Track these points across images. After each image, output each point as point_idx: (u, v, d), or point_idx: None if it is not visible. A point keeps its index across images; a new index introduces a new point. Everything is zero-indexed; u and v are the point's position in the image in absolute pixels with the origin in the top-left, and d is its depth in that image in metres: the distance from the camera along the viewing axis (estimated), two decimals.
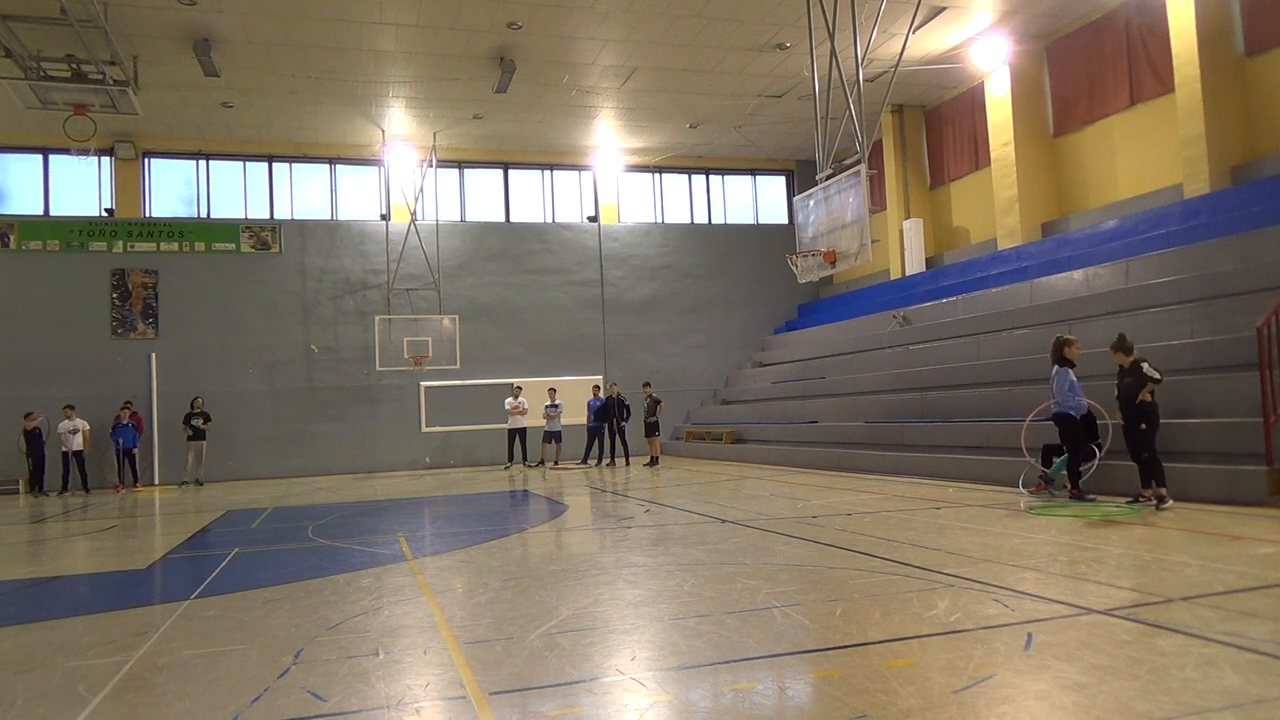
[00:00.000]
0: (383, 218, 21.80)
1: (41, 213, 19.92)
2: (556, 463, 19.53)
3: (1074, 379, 9.61)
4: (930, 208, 20.97)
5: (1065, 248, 15.90)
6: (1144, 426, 8.78)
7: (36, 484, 17.78)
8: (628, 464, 19.02)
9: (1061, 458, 10.00)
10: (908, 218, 20.79)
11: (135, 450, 18.38)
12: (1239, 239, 11.97)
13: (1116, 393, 9.16)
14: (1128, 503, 9.08)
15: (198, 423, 18.46)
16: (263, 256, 20.81)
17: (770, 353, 23.32)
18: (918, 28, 15.75)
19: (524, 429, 19.46)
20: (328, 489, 16.46)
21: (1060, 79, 17.13)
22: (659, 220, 24.01)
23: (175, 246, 20.29)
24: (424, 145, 21.37)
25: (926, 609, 5.00)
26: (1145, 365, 8.93)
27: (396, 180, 21.62)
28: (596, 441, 19.31)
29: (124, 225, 20.06)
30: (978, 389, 13.80)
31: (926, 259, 20.52)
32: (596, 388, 19.96)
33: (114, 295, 19.83)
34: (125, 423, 18.13)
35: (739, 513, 9.93)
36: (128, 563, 8.58)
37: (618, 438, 19.01)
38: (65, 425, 17.60)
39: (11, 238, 19.37)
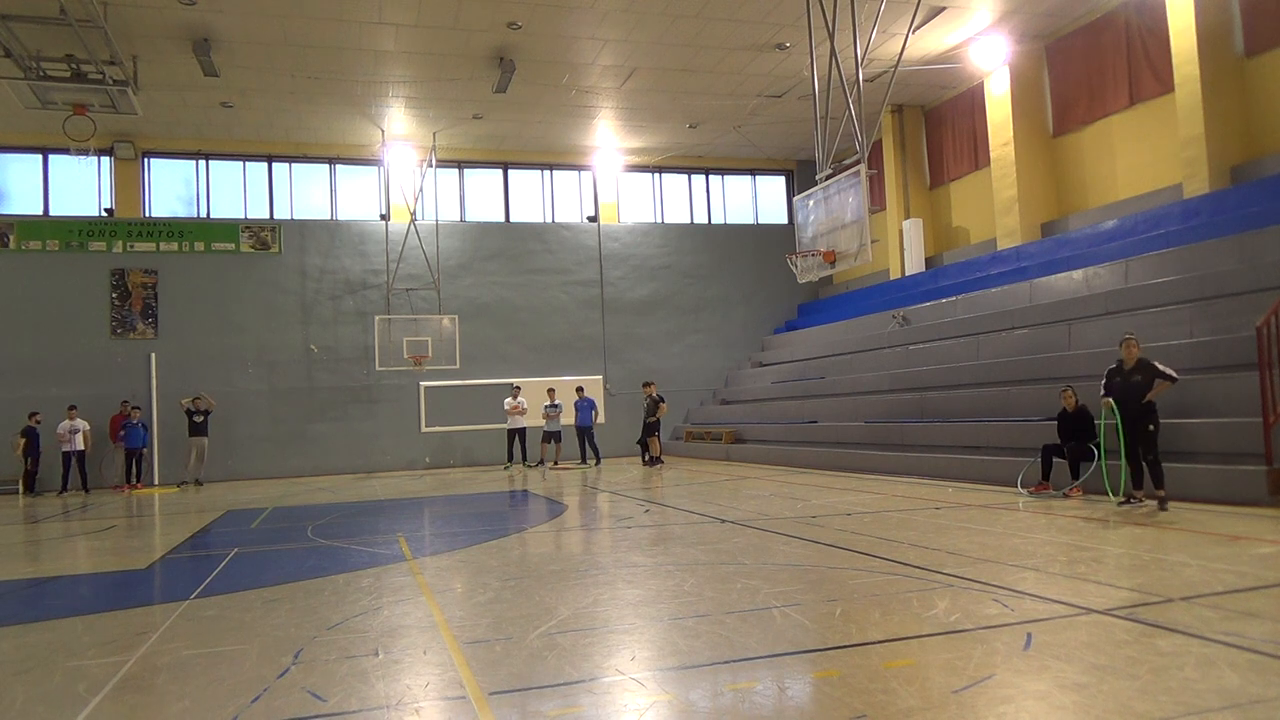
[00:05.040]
0: (382, 218, 21.79)
1: (41, 213, 19.91)
2: (556, 463, 19.53)
3: None
4: (930, 208, 20.96)
5: (1065, 248, 15.90)
6: (1152, 428, 8.73)
7: (29, 485, 17.80)
8: (660, 463, 18.98)
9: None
10: (907, 218, 20.79)
11: (143, 450, 18.40)
12: (1239, 239, 11.97)
13: (1118, 392, 9.00)
14: (1119, 504, 9.08)
15: (197, 419, 18.40)
16: (262, 256, 20.81)
17: (770, 353, 23.32)
18: (917, 28, 15.75)
19: (523, 429, 19.46)
20: (327, 489, 16.46)
21: (1060, 79, 17.13)
22: (659, 220, 24.00)
23: (175, 246, 20.28)
24: (424, 145, 21.37)
25: (926, 609, 5.00)
26: (1158, 363, 8.90)
27: (396, 180, 21.61)
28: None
29: (123, 225, 20.06)
30: (977, 389, 13.80)
31: (926, 259, 20.51)
32: (580, 389, 19.91)
33: (113, 295, 19.83)
34: (135, 423, 18.13)
35: (739, 513, 9.93)
36: (128, 563, 8.58)
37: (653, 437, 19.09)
38: (65, 425, 17.59)
39: (11, 238, 19.37)
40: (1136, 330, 10.94)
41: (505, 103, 18.98)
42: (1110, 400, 9.02)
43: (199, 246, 20.44)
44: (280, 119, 19.57)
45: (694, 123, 21.02)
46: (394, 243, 21.32)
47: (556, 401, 19.37)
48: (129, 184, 20.30)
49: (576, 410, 19.38)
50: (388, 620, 5.36)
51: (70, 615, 6.11)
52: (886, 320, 19.17)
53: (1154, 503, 8.70)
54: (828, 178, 12.62)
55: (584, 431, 19.37)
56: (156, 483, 19.29)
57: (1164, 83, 14.73)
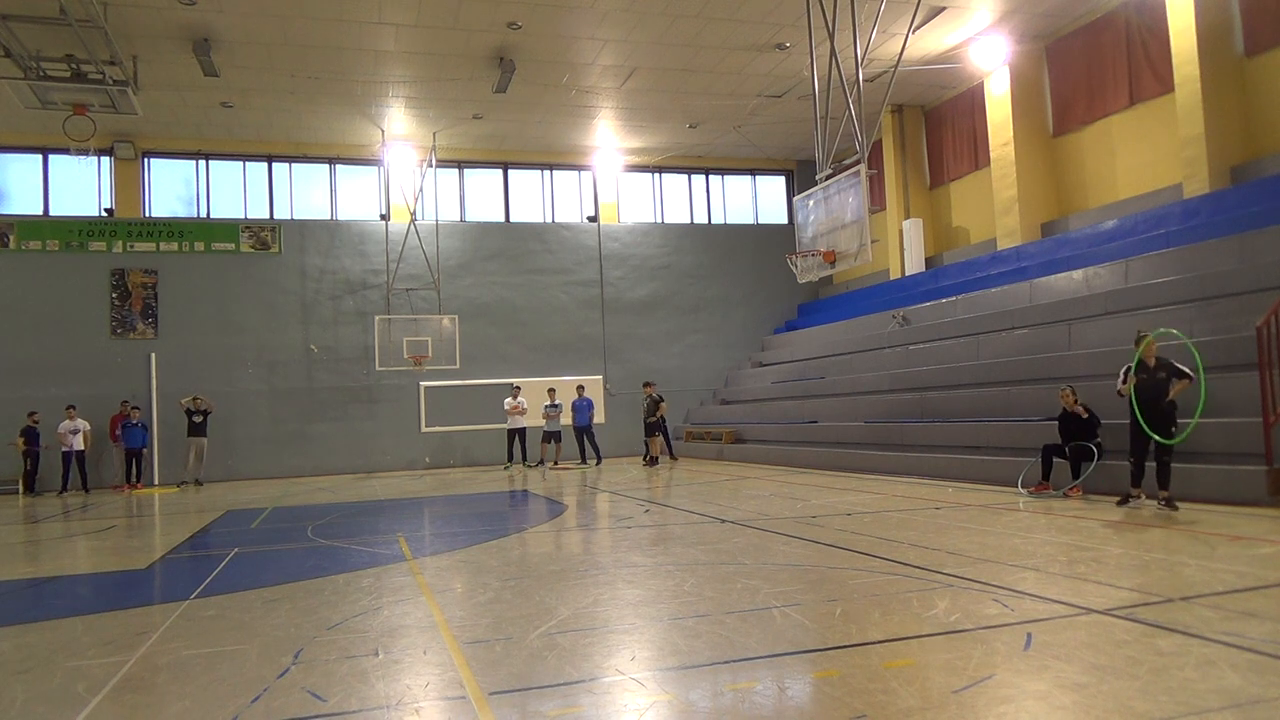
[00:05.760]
0: (382, 218, 21.79)
1: (41, 213, 19.91)
2: (556, 463, 19.54)
3: None
4: (930, 208, 20.96)
5: (1065, 248, 15.90)
6: (1173, 429, 8.60)
7: (29, 485, 17.81)
8: (659, 461, 19.25)
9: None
10: (907, 218, 20.78)
11: (143, 450, 18.38)
12: (1239, 239, 11.97)
13: (1143, 390, 8.72)
14: (1116, 503, 9.04)
15: (196, 419, 18.38)
16: (262, 256, 20.81)
17: (770, 353, 23.32)
18: (917, 28, 15.74)
19: (523, 429, 19.47)
20: (327, 489, 16.46)
21: (1060, 79, 17.13)
22: (659, 220, 24.00)
23: (175, 246, 20.28)
24: (424, 145, 21.36)
25: (926, 609, 5.00)
26: (1175, 362, 8.82)
27: (396, 180, 21.61)
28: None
29: (123, 225, 20.06)
30: (977, 389, 13.80)
31: (926, 259, 20.51)
32: (580, 388, 19.99)
33: (113, 295, 19.83)
34: (135, 423, 18.12)
35: (739, 513, 9.93)
36: (128, 563, 8.58)
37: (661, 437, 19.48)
38: (65, 425, 17.59)
39: (11, 238, 19.36)
40: (1137, 331, 10.93)
41: (505, 103, 18.98)
42: (1130, 389, 8.73)
43: (199, 246, 20.44)
44: (280, 119, 19.57)
45: (694, 123, 21.01)
46: (394, 243, 21.31)
47: (556, 401, 19.38)
48: (129, 184, 20.30)
49: (575, 410, 19.43)
50: (388, 620, 5.36)
51: (70, 615, 6.11)
52: (886, 320, 19.17)
53: (1155, 503, 8.68)
54: (828, 178, 12.62)
55: (583, 431, 19.42)
56: (156, 483, 19.29)
57: (1164, 83, 14.72)
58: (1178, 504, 8.51)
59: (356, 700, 3.85)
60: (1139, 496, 8.91)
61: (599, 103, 19.51)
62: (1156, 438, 8.56)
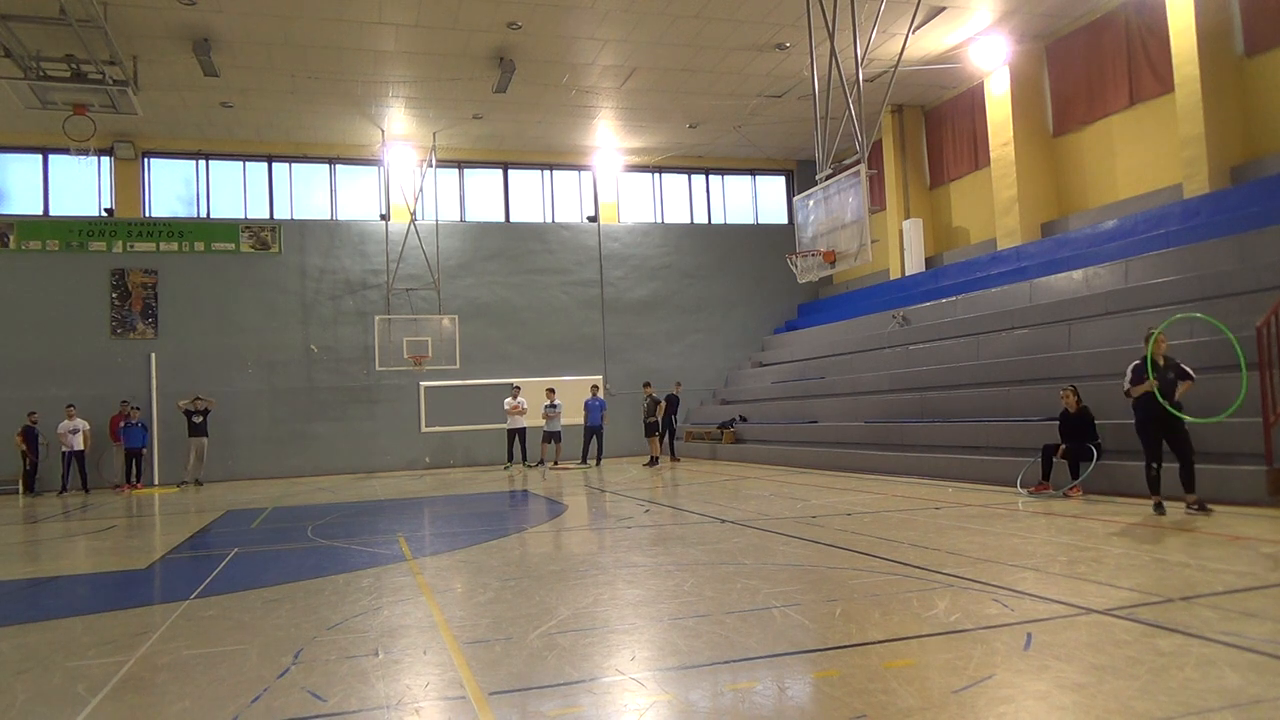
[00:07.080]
0: (382, 218, 21.79)
1: (41, 213, 19.91)
2: (556, 463, 19.53)
3: None
4: (930, 208, 20.96)
5: (1065, 248, 15.90)
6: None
7: (29, 485, 17.81)
8: (663, 461, 19.51)
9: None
10: (907, 218, 20.78)
11: (143, 450, 18.37)
12: (1239, 239, 11.97)
13: (1155, 390, 8.31)
14: (1153, 511, 8.40)
15: (196, 419, 18.37)
16: (262, 256, 20.81)
17: (770, 353, 23.32)
18: (917, 28, 15.74)
19: (523, 429, 19.47)
20: (327, 489, 16.46)
21: (1060, 79, 17.13)
22: (659, 220, 24.00)
23: (175, 246, 20.28)
24: (424, 145, 21.37)
25: (926, 609, 5.00)
26: (1181, 364, 8.73)
27: (396, 180, 21.61)
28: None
29: (124, 225, 20.06)
30: (977, 389, 13.80)
31: (926, 259, 20.51)
32: (595, 388, 20.02)
33: (113, 295, 19.83)
34: (135, 423, 18.11)
35: (739, 513, 9.93)
36: (128, 563, 8.58)
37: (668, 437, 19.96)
38: (65, 425, 17.59)
39: (11, 238, 19.36)
40: (1137, 331, 10.96)
41: (505, 103, 18.98)
42: (1155, 383, 8.31)
43: (199, 246, 20.44)
44: (280, 119, 19.57)
45: (694, 123, 21.01)
46: (394, 243, 21.31)
47: (556, 401, 19.37)
48: (129, 184, 20.30)
49: (588, 409, 19.35)
50: (388, 620, 5.36)
51: (70, 615, 6.11)
52: (886, 320, 19.17)
53: (1182, 506, 8.33)
54: (828, 178, 12.62)
55: (593, 431, 19.36)
56: (156, 483, 19.28)
57: (1164, 83, 14.72)
58: (1210, 507, 8.11)
59: (356, 700, 3.86)
60: (1193, 504, 8.30)
61: (599, 103, 19.51)
62: (1178, 414, 8.18)
